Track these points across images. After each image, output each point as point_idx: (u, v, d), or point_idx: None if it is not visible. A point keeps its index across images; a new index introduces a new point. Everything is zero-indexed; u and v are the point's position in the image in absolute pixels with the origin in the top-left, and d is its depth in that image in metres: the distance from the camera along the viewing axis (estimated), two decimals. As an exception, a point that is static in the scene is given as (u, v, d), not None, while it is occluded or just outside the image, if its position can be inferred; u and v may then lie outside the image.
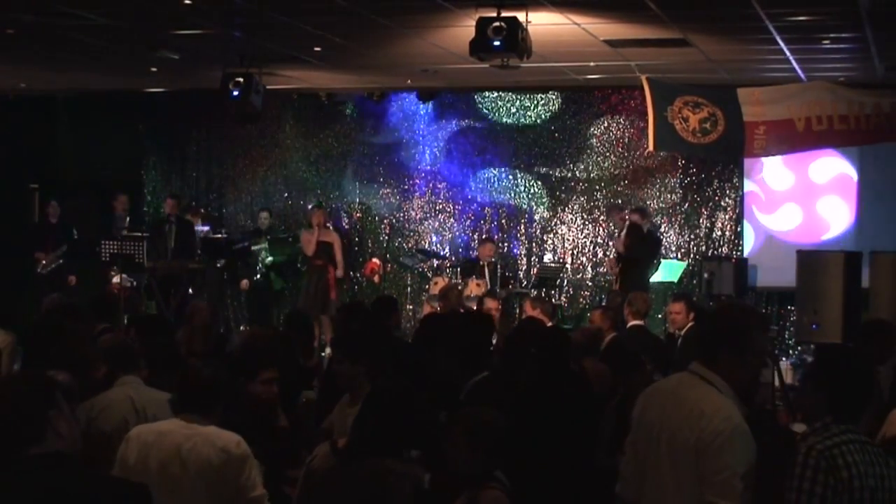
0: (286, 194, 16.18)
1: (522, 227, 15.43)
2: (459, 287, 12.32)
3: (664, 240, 14.51)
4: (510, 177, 15.44)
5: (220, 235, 15.19)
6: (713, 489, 3.74)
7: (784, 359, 12.46)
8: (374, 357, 5.68)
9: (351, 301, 13.16)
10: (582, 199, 15.09)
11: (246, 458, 4.41)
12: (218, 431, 4.45)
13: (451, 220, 15.70)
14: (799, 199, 14.16)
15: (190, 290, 13.93)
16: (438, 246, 15.63)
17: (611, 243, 14.41)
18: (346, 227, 15.77)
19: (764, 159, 13.55)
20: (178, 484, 4.37)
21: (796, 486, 3.62)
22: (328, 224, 14.54)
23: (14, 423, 3.09)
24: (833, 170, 13.99)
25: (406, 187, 15.84)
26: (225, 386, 4.63)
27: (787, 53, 11.02)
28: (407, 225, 15.83)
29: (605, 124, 15.04)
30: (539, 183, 15.34)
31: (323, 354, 10.94)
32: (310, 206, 14.89)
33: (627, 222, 13.45)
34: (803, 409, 3.92)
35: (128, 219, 15.06)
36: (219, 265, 14.61)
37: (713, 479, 3.75)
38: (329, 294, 13.93)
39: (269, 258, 14.67)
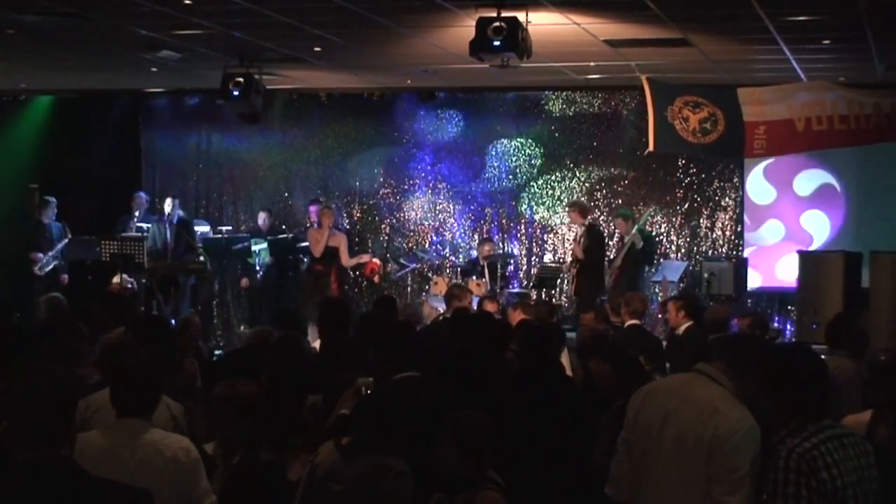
0: (286, 194, 16.17)
1: (522, 227, 15.42)
2: (461, 286, 12.25)
3: (664, 240, 14.50)
4: (510, 176, 15.43)
5: (220, 235, 15.17)
6: (724, 487, 3.73)
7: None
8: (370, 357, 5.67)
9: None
10: (582, 199, 15.05)
11: (197, 467, 4.25)
12: (164, 437, 4.28)
13: (451, 220, 15.69)
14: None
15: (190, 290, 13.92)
16: (439, 246, 15.62)
17: (572, 245, 14.19)
18: (347, 226, 15.74)
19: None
20: None
21: (781, 491, 3.49)
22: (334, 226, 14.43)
23: (43, 423, 3.02)
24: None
25: (406, 187, 15.83)
26: (161, 381, 4.48)
27: (787, 53, 11.01)
28: (407, 225, 15.82)
29: (605, 124, 15.03)
30: (539, 182, 15.33)
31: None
32: (317, 207, 14.50)
33: (587, 223, 13.20)
34: (769, 412, 3.80)
35: (133, 219, 14.96)
36: (218, 265, 14.57)
37: (726, 478, 3.73)
38: None
39: (269, 258, 14.63)
